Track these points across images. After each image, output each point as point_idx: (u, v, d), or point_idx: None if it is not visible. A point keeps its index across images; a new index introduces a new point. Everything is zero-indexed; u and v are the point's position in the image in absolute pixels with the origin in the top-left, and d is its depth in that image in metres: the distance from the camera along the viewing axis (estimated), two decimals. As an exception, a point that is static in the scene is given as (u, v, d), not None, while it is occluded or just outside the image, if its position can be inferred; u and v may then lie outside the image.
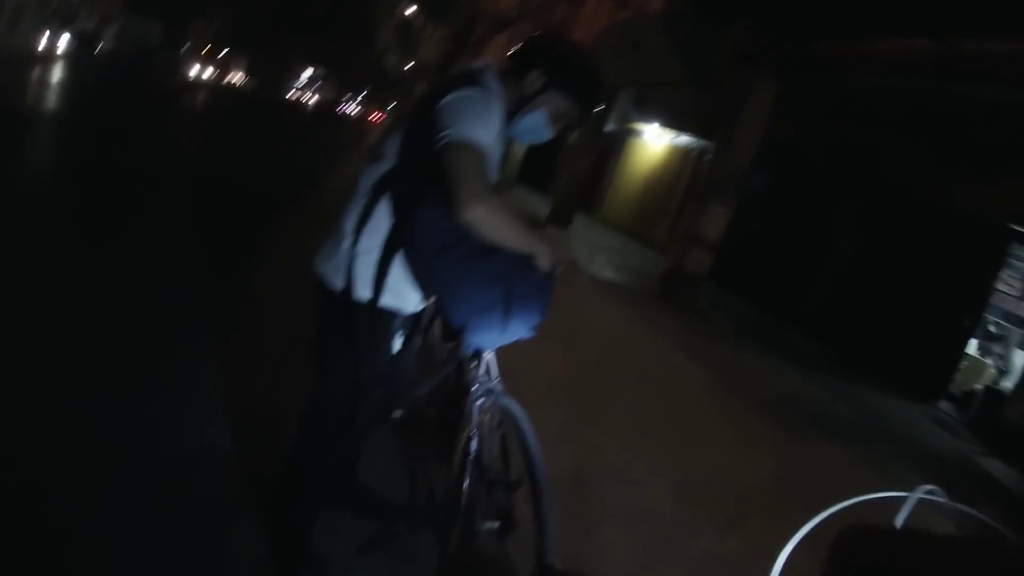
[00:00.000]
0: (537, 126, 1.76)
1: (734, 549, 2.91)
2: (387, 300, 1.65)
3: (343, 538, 2.08)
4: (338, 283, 1.67)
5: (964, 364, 7.86)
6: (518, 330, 1.66)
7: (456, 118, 1.53)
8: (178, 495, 2.05)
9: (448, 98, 1.56)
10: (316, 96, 68.29)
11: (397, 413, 2.84)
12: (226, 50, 54.50)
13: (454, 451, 2.08)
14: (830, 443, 4.82)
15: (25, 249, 3.45)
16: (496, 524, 1.86)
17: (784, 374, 6.54)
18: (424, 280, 1.63)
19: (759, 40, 7.34)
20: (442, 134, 1.51)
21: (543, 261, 1.63)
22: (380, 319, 1.68)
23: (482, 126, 1.55)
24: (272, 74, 52.74)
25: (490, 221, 1.48)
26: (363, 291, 1.63)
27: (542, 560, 1.55)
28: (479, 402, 1.95)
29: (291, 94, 61.21)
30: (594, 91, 1.81)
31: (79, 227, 4.41)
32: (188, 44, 43.84)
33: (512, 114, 1.74)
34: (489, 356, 1.97)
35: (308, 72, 65.70)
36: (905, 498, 0.99)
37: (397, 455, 2.72)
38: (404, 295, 1.67)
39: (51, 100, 12.69)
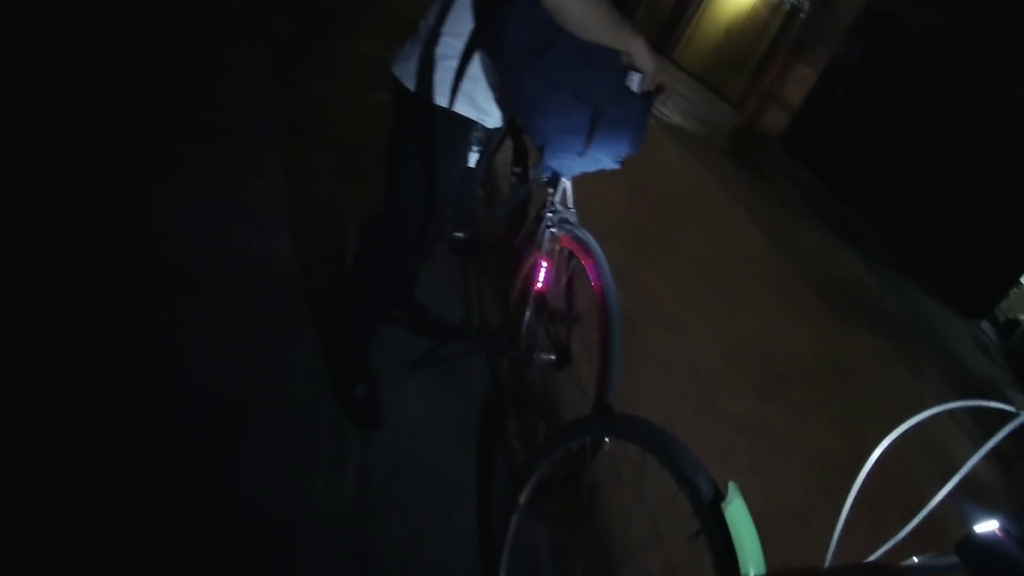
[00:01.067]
0: None
1: (768, 417, 2.94)
2: (466, 109, 1.50)
3: (397, 354, 2.08)
4: (415, 87, 1.53)
5: (1014, 291, 7.60)
6: (603, 159, 1.50)
7: None
8: (234, 303, 2.01)
9: None
10: None
11: (460, 233, 2.80)
12: None
13: (516, 278, 2.02)
14: (873, 333, 4.76)
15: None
16: (552, 356, 1.84)
17: (842, 256, 6.34)
18: (506, 91, 1.46)
19: None
20: None
21: (643, 63, 1.45)
22: (458, 128, 1.54)
23: None
24: None
25: (579, 5, 1.29)
26: (441, 97, 1.48)
27: (602, 399, 1.53)
28: (551, 231, 1.84)
29: None
30: None
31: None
32: None
33: None
34: (567, 183, 1.83)
35: None
36: (1013, 413, 0.88)
37: (456, 276, 2.69)
38: (484, 106, 1.52)
39: None
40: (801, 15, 8.46)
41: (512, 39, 1.34)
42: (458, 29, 1.46)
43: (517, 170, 2.62)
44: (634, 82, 1.47)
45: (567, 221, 1.83)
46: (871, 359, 4.40)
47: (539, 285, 1.86)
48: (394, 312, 2.21)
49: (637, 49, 1.43)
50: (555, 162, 1.51)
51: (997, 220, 7.55)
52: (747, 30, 13.16)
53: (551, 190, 1.86)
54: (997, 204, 7.59)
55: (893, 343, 4.86)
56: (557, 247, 1.85)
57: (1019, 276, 7.56)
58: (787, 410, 3.10)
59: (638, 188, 4.63)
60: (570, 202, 1.87)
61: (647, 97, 1.52)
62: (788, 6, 12.08)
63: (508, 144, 2.68)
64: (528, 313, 1.89)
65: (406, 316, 2.25)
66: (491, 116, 1.55)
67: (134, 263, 1.98)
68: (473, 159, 1.61)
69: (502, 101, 1.52)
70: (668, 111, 8.20)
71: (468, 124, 1.54)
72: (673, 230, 4.46)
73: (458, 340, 2.29)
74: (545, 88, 1.36)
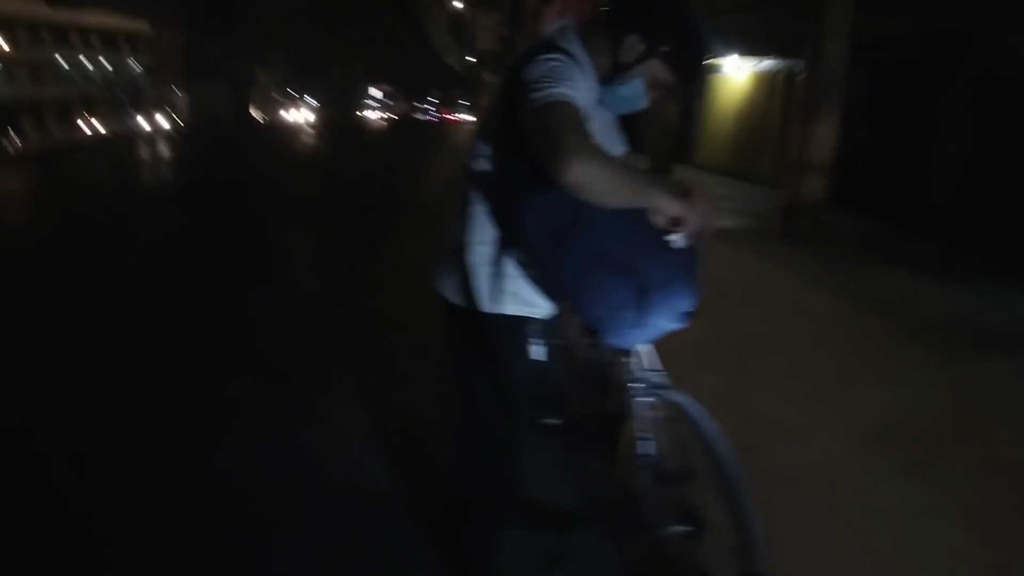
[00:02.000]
0: (634, 95, 1.51)
1: (926, 497, 2.64)
2: (514, 308, 1.51)
3: (521, 560, 2.02)
4: (461, 300, 1.56)
5: None
6: (664, 323, 1.47)
7: (542, 81, 1.29)
8: (338, 533, 2.08)
9: (529, 66, 1.34)
10: (390, 111, 69.79)
11: (552, 420, 2.75)
12: (294, 89, 56.87)
13: (620, 453, 1.94)
14: (993, 360, 4.33)
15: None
16: (684, 527, 1.72)
17: (926, 290, 5.96)
18: (545, 285, 1.47)
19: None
20: (530, 98, 1.28)
21: (674, 210, 1.26)
22: (511, 329, 1.54)
23: (574, 88, 1.30)
24: (344, 101, 54.31)
25: (599, 176, 1.16)
26: (487, 304, 1.50)
27: (749, 568, 1.40)
28: (643, 399, 1.78)
29: (367, 113, 62.75)
30: (700, 58, 1.53)
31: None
32: (255, 91, 45.74)
33: (605, 80, 1.50)
34: (645, 347, 1.78)
35: (377, 92, 67.19)
36: None
37: (560, 464, 2.62)
38: (530, 300, 1.52)
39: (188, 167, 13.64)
40: (798, 79, 8.62)
41: (534, 236, 1.37)
42: (483, 236, 1.50)
43: (587, 341, 2.61)
44: (674, 239, 1.37)
45: (657, 385, 1.76)
46: (1005, 388, 3.95)
47: (646, 455, 1.78)
48: (507, 517, 2.15)
49: (664, 201, 1.25)
50: (614, 339, 1.49)
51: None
52: (755, 110, 13.46)
53: (627, 358, 1.82)
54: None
55: (1016, 360, 4.39)
56: (652, 414, 1.79)
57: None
58: (941, 482, 2.79)
59: (707, 303, 4.55)
60: (656, 363, 1.80)
61: (691, 247, 1.44)
62: (782, 75, 12.39)
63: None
64: (642, 487, 1.80)
65: (521, 518, 2.18)
66: (540, 307, 1.55)
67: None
68: (538, 352, 1.60)
69: (544, 294, 1.52)
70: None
71: (520, 321, 1.55)
72: (754, 334, 4.32)
73: (582, 529, 2.19)
74: (581, 274, 1.37)
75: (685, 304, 1.47)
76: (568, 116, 1.23)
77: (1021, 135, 7.41)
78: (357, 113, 57.61)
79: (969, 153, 8.16)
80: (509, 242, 1.46)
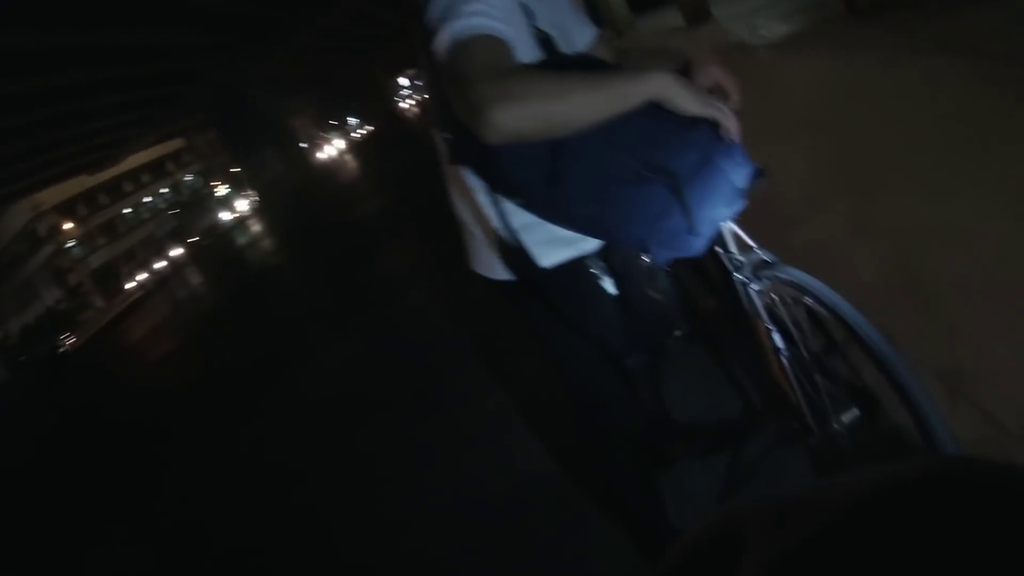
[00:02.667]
0: None
1: None
2: (554, 256, 1.27)
3: (698, 494, 1.87)
4: (500, 274, 1.37)
5: None
6: (719, 212, 1.16)
7: (440, 19, 1.02)
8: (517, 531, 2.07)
9: None
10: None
11: (677, 333, 2.49)
12: (335, 119, 58.12)
13: (760, 352, 1.67)
14: None
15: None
16: (855, 411, 1.46)
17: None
18: (566, 223, 1.21)
19: None
20: (434, 49, 1.03)
21: (683, 102, 1.02)
22: (565, 279, 1.29)
23: (480, 5, 1.01)
24: (383, 104, 54.70)
25: (537, 115, 0.93)
26: (526, 266, 1.27)
27: (933, 443, 1.13)
28: (753, 288, 1.51)
29: (402, 105, 63.06)
30: None
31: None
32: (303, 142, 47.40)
33: None
34: (727, 229, 1.49)
35: (403, 80, 67.13)
36: None
37: (705, 376, 2.39)
38: (568, 239, 1.26)
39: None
40: None
41: (523, 184, 1.13)
42: (483, 200, 1.28)
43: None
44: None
45: (763, 266, 1.48)
46: None
47: (782, 351, 1.53)
48: (665, 452, 2.01)
49: (665, 89, 1.01)
50: (672, 253, 1.23)
51: None
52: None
53: (718, 248, 1.53)
54: None
55: None
56: (771, 300, 1.50)
57: None
58: None
59: (797, 131, 4.05)
60: (750, 241, 1.51)
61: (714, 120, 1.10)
62: None
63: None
64: (795, 383, 1.55)
65: (679, 447, 2.04)
66: (582, 242, 1.29)
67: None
68: (610, 286, 1.33)
69: (578, 230, 1.25)
70: (768, 30, 7.42)
71: (570, 267, 1.30)
72: (864, 136, 3.71)
73: (748, 443, 1.96)
74: (596, 204, 1.11)
75: (740, 179, 1.15)
76: (474, 58, 0.97)
77: None
78: (395, 108, 57.88)
79: None
80: (508, 195, 1.22)
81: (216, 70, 25.98)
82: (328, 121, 57.44)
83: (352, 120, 60.91)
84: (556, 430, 2.53)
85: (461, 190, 1.33)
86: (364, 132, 54.82)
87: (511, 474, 2.47)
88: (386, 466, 3.05)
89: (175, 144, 46.01)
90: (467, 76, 0.94)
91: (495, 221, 1.26)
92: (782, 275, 1.41)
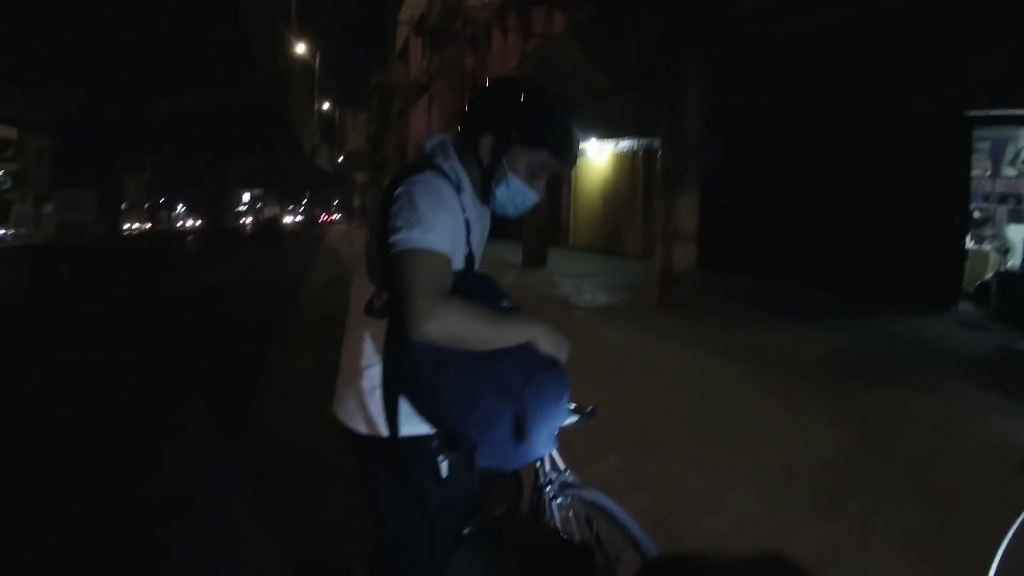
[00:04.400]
0: (517, 193, 1.47)
1: (841, 534, 2.64)
2: (412, 428, 1.40)
3: None
4: (359, 427, 1.46)
5: (967, 261, 7.72)
6: (540, 447, 1.38)
7: (404, 218, 1.29)
8: None
9: (397, 191, 1.33)
10: (263, 214, 68.51)
11: (468, 529, 2.51)
12: (166, 195, 54.88)
13: (540, 552, 1.78)
14: (880, 387, 4.52)
15: None
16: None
17: (804, 334, 6.23)
18: (427, 407, 1.35)
19: (676, 19, 7.33)
20: (391, 241, 1.28)
21: (550, 348, 1.37)
22: (413, 449, 1.42)
23: (437, 218, 1.30)
24: (216, 206, 52.49)
25: (454, 332, 1.24)
26: (384, 427, 1.40)
27: None
28: (556, 501, 1.70)
29: (241, 220, 61.46)
30: (563, 130, 1.48)
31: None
32: (125, 202, 43.54)
33: (485, 186, 1.46)
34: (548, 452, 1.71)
35: (247, 195, 66.13)
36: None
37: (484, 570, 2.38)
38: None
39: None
40: (657, 154, 9.13)
41: (419, 358, 1.28)
42: (374, 359, 1.42)
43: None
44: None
45: (568, 485, 1.70)
46: (895, 411, 4.09)
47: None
48: None
49: (541, 337, 1.36)
50: (486, 460, 1.35)
51: (912, 213, 7.73)
52: (619, 189, 14.26)
53: (537, 464, 1.73)
54: (904, 199, 7.83)
55: (901, 382, 4.61)
56: (570, 515, 1.71)
57: (961, 245, 7.65)
58: (854, 518, 2.76)
59: (600, 384, 4.47)
60: (560, 464, 1.74)
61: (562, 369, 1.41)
62: (641, 152, 13.16)
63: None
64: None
65: None
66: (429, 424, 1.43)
67: None
68: (444, 468, 1.45)
69: (429, 418, 1.39)
70: (591, 296, 8.38)
71: (420, 441, 1.42)
72: (652, 407, 4.25)
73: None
74: (459, 397, 1.29)
75: (558, 422, 1.41)
76: (420, 269, 1.25)
77: (870, 180, 8.14)
78: (233, 218, 56.06)
79: (828, 198, 8.84)
80: (395, 363, 1.35)
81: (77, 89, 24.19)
82: (162, 198, 54.05)
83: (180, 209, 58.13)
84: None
85: (368, 335, 1.44)
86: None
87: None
88: None
89: (7, 132, 40.13)
90: (416, 284, 1.24)
91: (378, 380, 1.39)
92: (586, 495, 1.64)
